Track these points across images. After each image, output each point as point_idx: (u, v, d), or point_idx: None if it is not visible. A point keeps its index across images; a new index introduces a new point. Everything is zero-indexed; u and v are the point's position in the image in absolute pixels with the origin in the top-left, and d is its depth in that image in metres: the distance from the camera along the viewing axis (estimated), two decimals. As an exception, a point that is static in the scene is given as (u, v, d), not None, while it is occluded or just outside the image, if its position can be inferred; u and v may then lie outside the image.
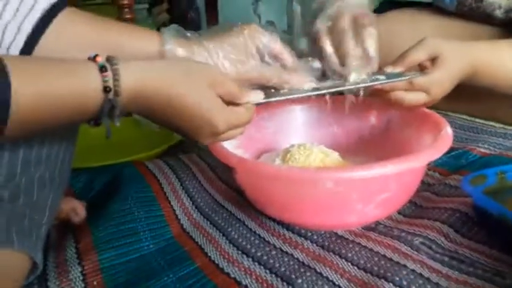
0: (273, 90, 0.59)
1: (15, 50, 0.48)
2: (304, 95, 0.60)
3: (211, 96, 0.49)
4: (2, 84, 0.38)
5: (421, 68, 0.67)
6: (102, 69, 0.43)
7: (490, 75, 0.71)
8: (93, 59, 0.44)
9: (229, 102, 0.50)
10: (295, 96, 0.59)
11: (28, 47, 0.48)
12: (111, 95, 0.43)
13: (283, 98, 0.58)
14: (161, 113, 0.48)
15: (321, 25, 0.66)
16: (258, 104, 0.54)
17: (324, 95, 0.62)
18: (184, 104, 0.47)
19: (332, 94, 0.63)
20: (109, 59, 0.44)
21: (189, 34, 0.57)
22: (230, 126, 0.51)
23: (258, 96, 0.53)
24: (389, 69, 0.66)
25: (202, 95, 0.48)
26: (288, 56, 0.60)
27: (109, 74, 0.43)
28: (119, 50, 0.51)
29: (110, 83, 0.43)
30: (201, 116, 0.48)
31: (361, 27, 0.64)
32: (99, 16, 0.55)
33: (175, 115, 0.48)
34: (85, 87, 0.43)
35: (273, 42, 0.58)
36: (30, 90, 0.40)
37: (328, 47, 0.65)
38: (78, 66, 0.44)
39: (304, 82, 0.60)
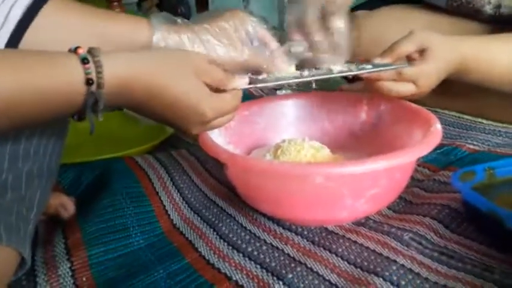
0: (260, 77, 0.59)
1: (3, 39, 0.47)
2: (288, 81, 0.60)
3: (197, 85, 0.48)
4: None
5: (409, 60, 0.68)
6: (84, 61, 0.42)
7: (480, 71, 0.72)
8: (74, 51, 0.43)
9: (215, 89, 0.50)
10: (281, 82, 0.60)
11: (16, 36, 0.47)
12: (93, 88, 0.42)
13: (269, 84, 0.58)
14: (147, 105, 0.47)
15: (291, 19, 0.66)
16: (245, 96, 0.54)
17: (309, 82, 0.62)
18: (171, 95, 0.47)
19: (318, 81, 0.63)
20: (91, 51, 0.43)
21: (179, 20, 0.57)
22: (218, 114, 0.50)
23: (244, 82, 0.53)
24: (377, 60, 0.66)
25: (189, 84, 0.48)
26: (271, 41, 0.60)
27: (91, 66, 0.42)
28: (107, 38, 0.51)
29: (93, 76, 0.42)
30: (189, 105, 0.48)
31: (329, 16, 0.64)
32: (87, 5, 0.54)
33: (162, 106, 0.47)
34: (67, 80, 0.42)
35: (259, 28, 0.59)
36: (10, 83, 0.39)
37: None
38: (60, 58, 0.43)
39: (288, 66, 0.61)
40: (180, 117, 0.49)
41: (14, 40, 0.47)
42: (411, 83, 0.66)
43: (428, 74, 0.67)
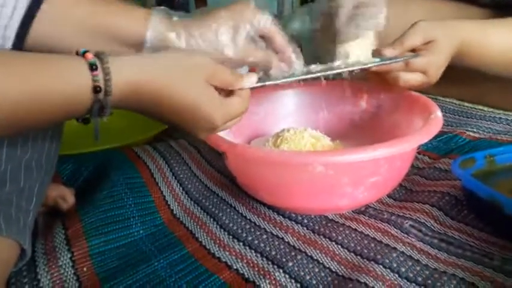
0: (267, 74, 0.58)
1: (11, 31, 0.46)
2: (297, 78, 0.59)
3: (209, 92, 0.47)
4: None
5: (414, 51, 0.68)
6: (93, 67, 0.41)
7: (476, 54, 0.72)
8: (82, 55, 0.42)
9: (223, 90, 0.49)
10: (289, 80, 0.58)
11: (23, 29, 0.47)
12: (101, 95, 0.42)
13: (277, 81, 0.57)
14: (155, 110, 0.47)
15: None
16: (252, 88, 0.53)
17: (317, 78, 0.61)
18: (181, 102, 0.46)
19: (326, 77, 0.62)
20: (99, 56, 0.42)
21: (175, 18, 0.55)
22: (227, 120, 0.50)
23: (251, 81, 0.52)
24: (387, 51, 0.66)
25: (200, 92, 0.47)
26: (280, 40, 0.58)
27: (99, 73, 0.41)
28: (105, 30, 0.50)
29: (101, 83, 0.41)
30: (199, 112, 0.47)
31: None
32: None
33: (170, 112, 0.47)
34: (74, 86, 0.41)
35: (267, 24, 0.56)
36: (18, 88, 0.38)
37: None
38: (68, 63, 0.42)
39: (294, 66, 0.59)
40: (188, 123, 0.48)
41: (21, 34, 0.47)
42: (419, 72, 0.66)
43: (437, 64, 0.67)
